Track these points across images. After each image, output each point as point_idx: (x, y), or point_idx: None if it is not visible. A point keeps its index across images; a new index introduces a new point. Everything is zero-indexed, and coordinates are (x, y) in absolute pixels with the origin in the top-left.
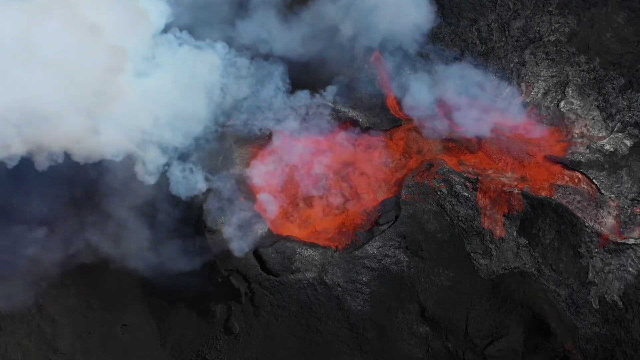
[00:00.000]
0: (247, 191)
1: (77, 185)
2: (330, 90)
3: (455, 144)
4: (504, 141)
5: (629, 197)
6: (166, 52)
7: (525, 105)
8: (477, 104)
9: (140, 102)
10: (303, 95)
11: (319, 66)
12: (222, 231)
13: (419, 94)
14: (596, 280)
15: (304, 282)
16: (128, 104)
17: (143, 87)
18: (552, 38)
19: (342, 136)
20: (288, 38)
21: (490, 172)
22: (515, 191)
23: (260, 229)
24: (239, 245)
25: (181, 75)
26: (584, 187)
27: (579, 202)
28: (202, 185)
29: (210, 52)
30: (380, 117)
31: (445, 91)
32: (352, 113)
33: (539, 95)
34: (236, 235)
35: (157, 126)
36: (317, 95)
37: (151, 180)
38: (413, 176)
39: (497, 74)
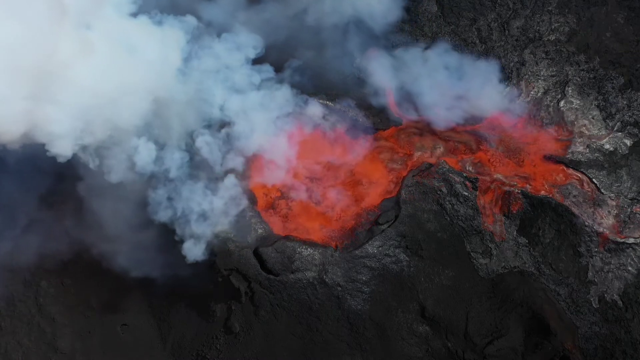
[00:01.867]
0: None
1: (69, 179)
2: (289, 64)
3: (455, 144)
4: (503, 141)
5: (628, 196)
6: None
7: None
8: (452, 90)
9: (90, 79)
10: (266, 69)
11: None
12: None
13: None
14: (596, 280)
15: (304, 281)
16: (76, 82)
17: (94, 64)
18: (552, 37)
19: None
20: (256, 24)
21: (490, 171)
22: (515, 191)
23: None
24: (194, 250)
25: (142, 49)
26: (583, 187)
27: (578, 201)
28: (150, 167)
29: (173, 26)
30: (380, 116)
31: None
32: (352, 112)
33: (539, 94)
34: (192, 236)
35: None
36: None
37: (93, 164)
38: (413, 176)
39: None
